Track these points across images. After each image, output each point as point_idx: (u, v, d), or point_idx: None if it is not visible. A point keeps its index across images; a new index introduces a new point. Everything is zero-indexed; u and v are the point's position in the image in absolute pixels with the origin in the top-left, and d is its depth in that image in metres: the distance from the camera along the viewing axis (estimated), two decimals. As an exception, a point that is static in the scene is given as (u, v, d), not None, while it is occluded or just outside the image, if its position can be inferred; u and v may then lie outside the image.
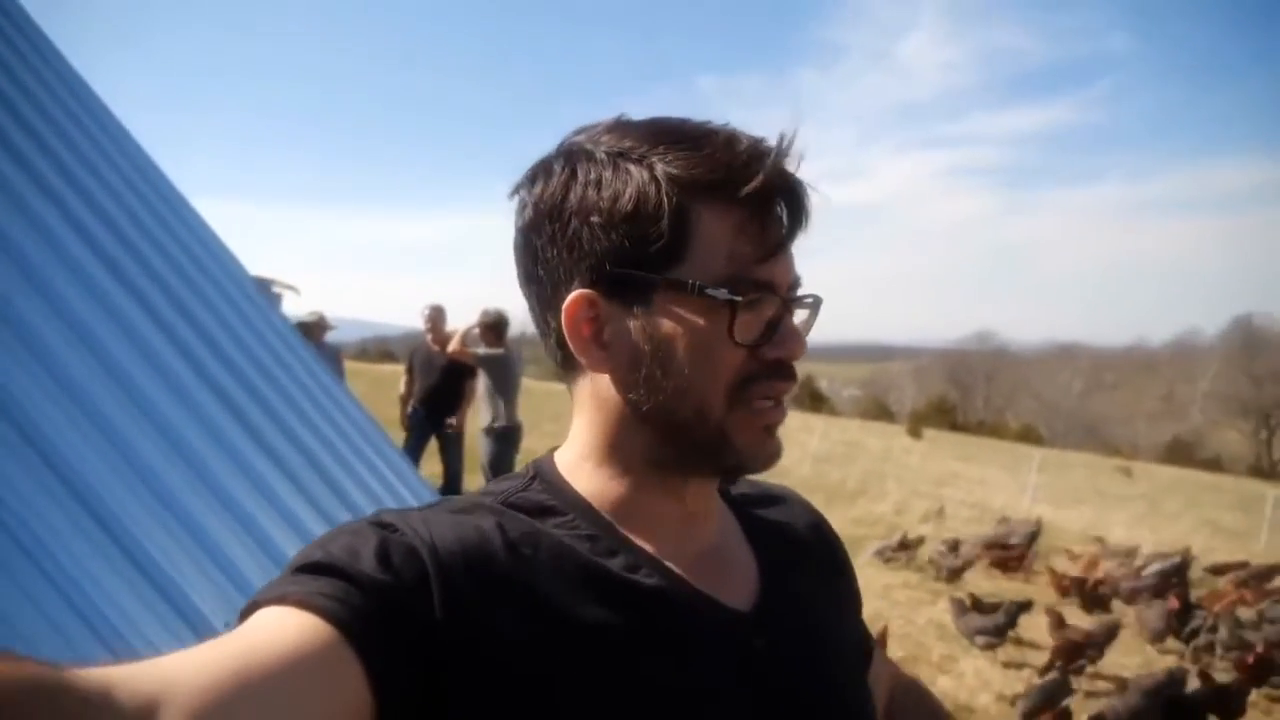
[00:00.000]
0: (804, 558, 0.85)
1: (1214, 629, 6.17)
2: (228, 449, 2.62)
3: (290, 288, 8.69)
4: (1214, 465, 40.25)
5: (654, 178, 0.68)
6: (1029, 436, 43.76)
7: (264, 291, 4.75)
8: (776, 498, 0.91)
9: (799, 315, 0.74)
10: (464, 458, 7.30)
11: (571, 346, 0.72)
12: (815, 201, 0.72)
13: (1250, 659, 5.20)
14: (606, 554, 0.71)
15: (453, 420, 7.11)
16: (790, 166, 0.70)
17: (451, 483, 7.18)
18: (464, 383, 7.12)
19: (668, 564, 0.73)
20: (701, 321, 0.68)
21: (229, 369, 3.08)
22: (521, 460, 7.09)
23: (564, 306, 0.71)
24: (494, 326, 6.57)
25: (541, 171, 0.73)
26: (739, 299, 0.67)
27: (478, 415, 6.81)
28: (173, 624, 1.89)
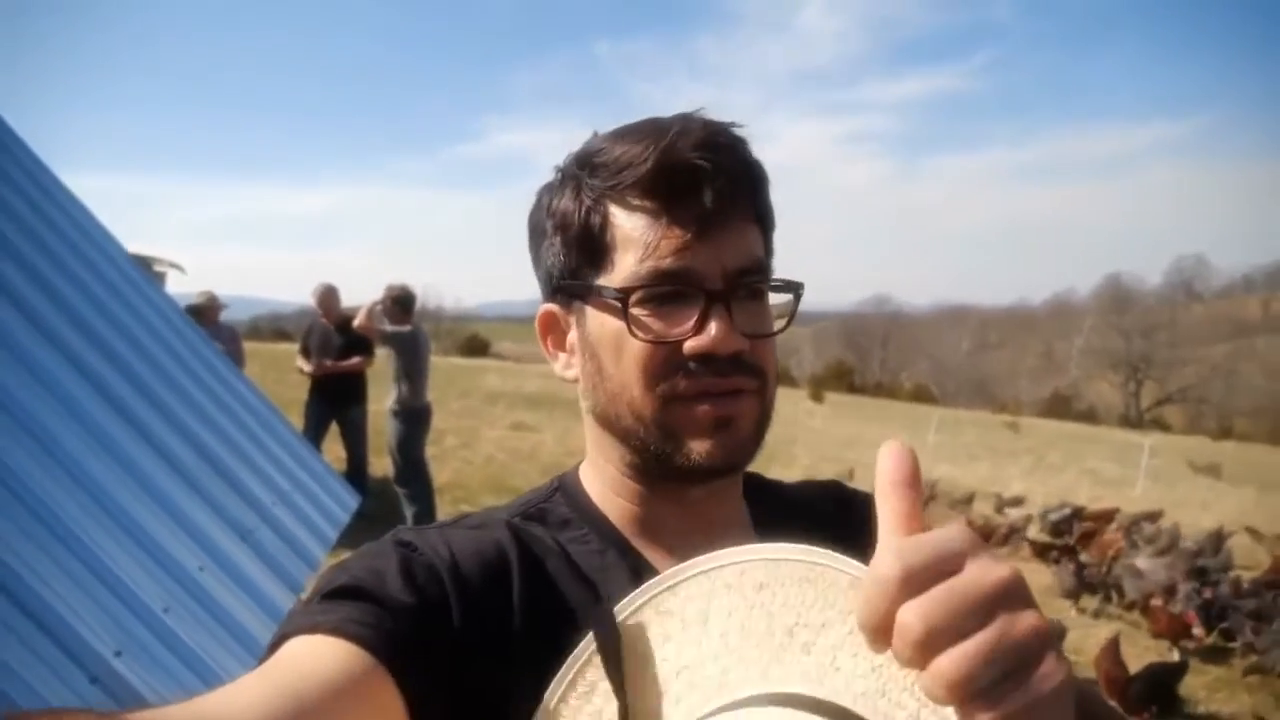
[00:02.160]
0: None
1: (1107, 583, 6.49)
2: (107, 446, 2.37)
3: (174, 265, 8.18)
4: (1090, 417, 42.88)
5: (577, 190, 0.71)
6: (922, 396, 45.58)
7: (145, 270, 4.39)
8: (807, 496, 0.86)
9: (768, 301, 0.73)
10: (368, 441, 7.01)
11: (548, 359, 0.77)
12: (751, 176, 0.71)
13: (1164, 619, 5.52)
14: (615, 568, 0.71)
15: (326, 362, 6.78)
16: (712, 145, 0.67)
17: (355, 468, 6.89)
18: (364, 364, 6.84)
19: None
20: (616, 322, 0.69)
21: (107, 357, 2.80)
22: (431, 441, 6.88)
23: (536, 320, 0.77)
24: (400, 301, 6.30)
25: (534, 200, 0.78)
26: (631, 297, 0.67)
27: (383, 396, 6.55)
28: (33, 639, 1.69)
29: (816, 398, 28.97)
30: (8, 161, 3.19)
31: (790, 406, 24.80)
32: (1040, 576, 6.84)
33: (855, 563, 0.52)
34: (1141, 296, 59.31)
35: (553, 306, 0.76)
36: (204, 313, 6.52)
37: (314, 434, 6.70)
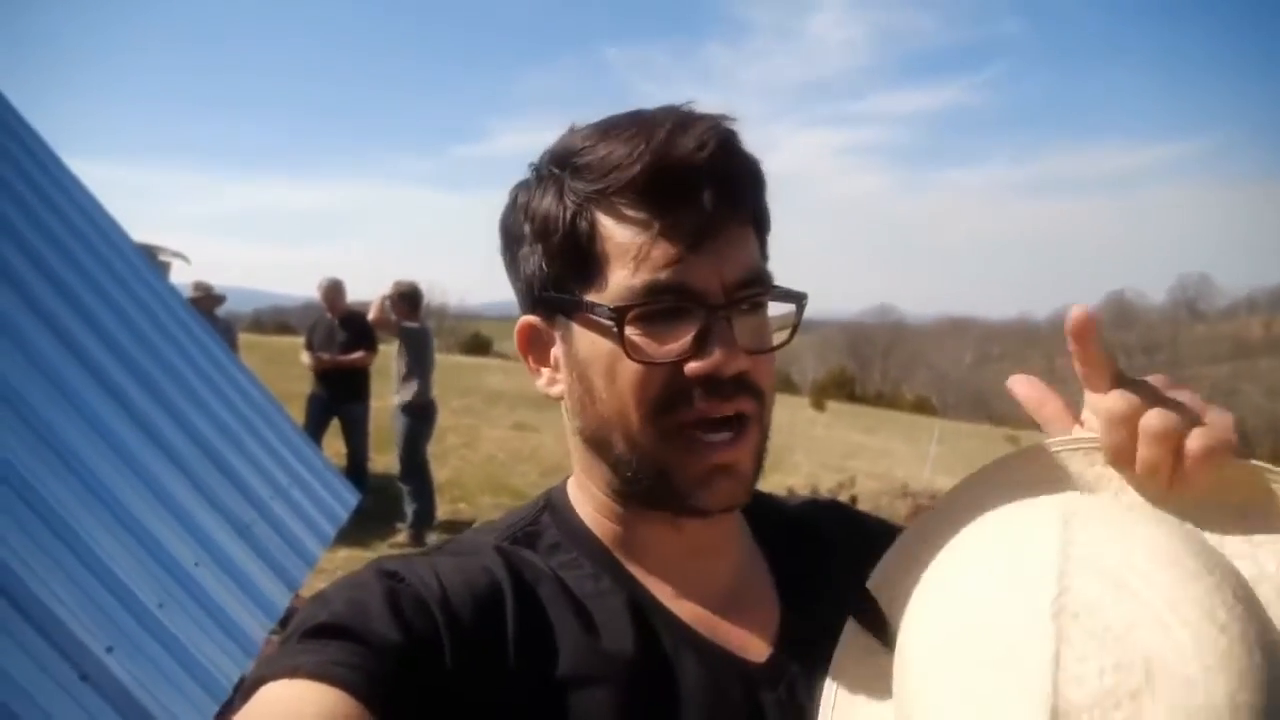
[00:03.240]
0: (837, 572, 0.75)
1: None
2: (104, 434, 2.32)
3: (179, 256, 8.15)
4: (1091, 433, 42.54)
5: (559, 192, 0.65)
6: (923, 407, 45.45)
7: (149, 260, 4.34)
8: (811, 517, 0.82)
9: (766, 314, 0.67)
10: (369, 437, 6.95)
11: (530, 374, 0.72)
12: (751, 176, 0.66)
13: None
14: (609, 595, 0.67)
15: (326, 356, 6.69)
16: (709, 143, 0.61)
17: (356, 464, 6.83)
18: (366, 359, 6.78)
19: (670, 608, 0.68)
20: (607, 341, 0.63)
21: (107, 344, 2.75)
22: (433, 440, 6.83)
23: (515, 333, 0.71)
24: (408, 297, 6.29)
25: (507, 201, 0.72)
26: (625, 314, 0.61)
27: (389, 393, 6.50)
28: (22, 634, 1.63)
29: (818, 405, 28.89)
30: (11, 143, 3.14)
31: (791, 414, 24.74)
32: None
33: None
34: (1144, 314, 59.28)
35: (534, 319, 0.70)
36: (198, 304, 6.46)
37: (315, 429, 6.65)
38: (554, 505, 0.73)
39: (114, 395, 2.55)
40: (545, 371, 0.71)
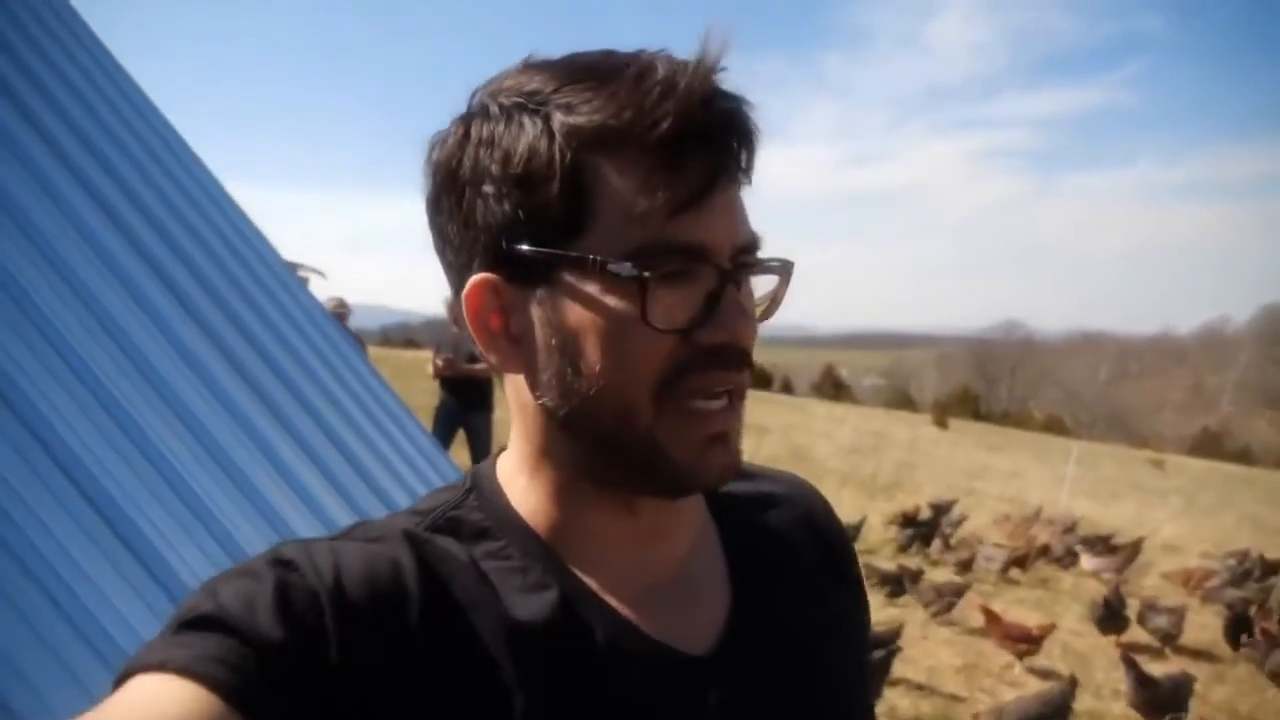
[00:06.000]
0: (795, 571, 0.71)
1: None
2: (251, 433, 2.40)
3: (316, 271, 8.53)
4: (1244, 457, 39.55)
5: (547, 129, 0.55)
6: (1054, 427, 43.23)
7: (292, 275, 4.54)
8: (770, 493, 0.75)
9: (756, 284, 0.61)
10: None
11: (478, 342, 0.60)
12: (755, 133, 0.58)
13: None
14: (537, 589, 0.60)
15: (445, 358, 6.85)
16: (720, 93, 0.56)
17: (481, 472, 6.99)
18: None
19: (610, 599, 0.61)
20: (611, 304, 0.55)
21: (257, 351, 2.87)
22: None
23: (464, 295, 0.59)
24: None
25: (440, 134, 0.61)
26: (647, 273, 0.54)
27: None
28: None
29: (940, 423, 27.92)
30: (181, 172, 3.34)
31: (912, 431, 23.94)
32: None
33: None
34: (1306, 328, 54.50)
35: (491, 277, 0.58)
36: (334, 319, 6.76)
37: (443, 438, 6.84)
38: (480, 487, 0.65)
39: (266, 403, 2.65)
40: (503, 342, 0.60)
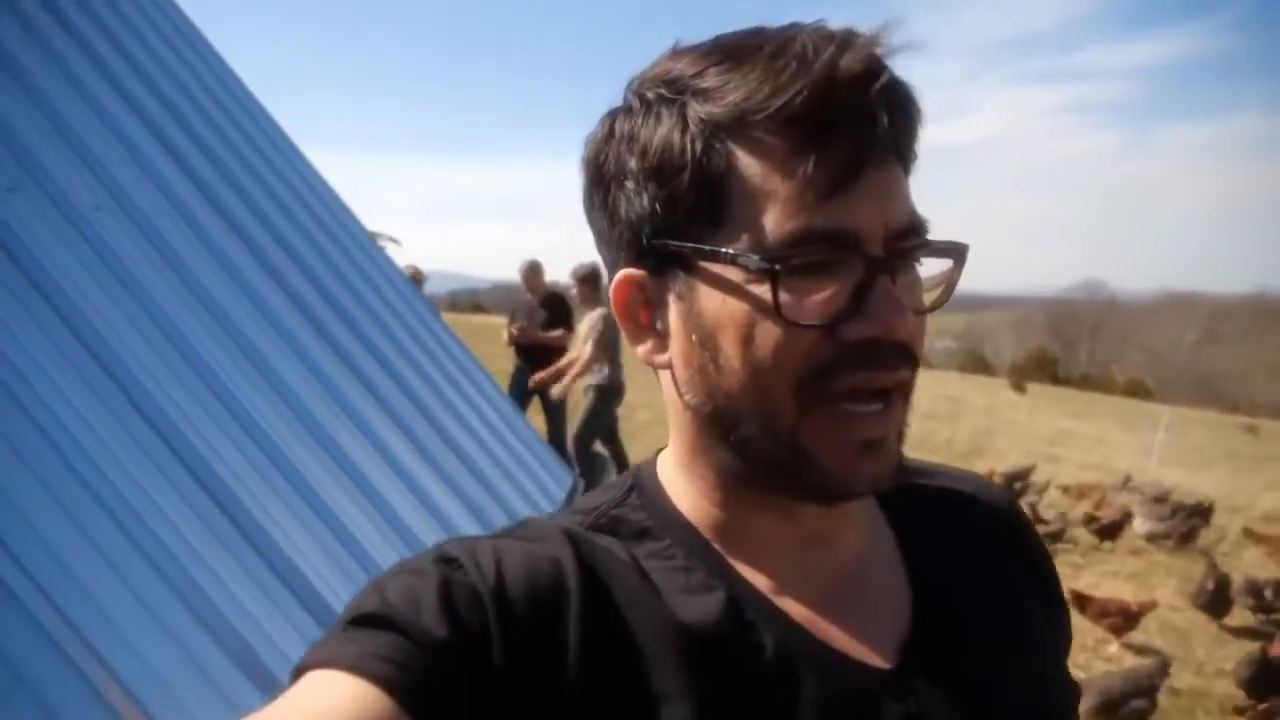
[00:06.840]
0: (985, 578, 0.66)
1: None
2: (361, 427, 2.41)
3: (392, 240, 8.65)
4: (1345, 423, 37.56)
5: (682, 119, 0.54)
6: (1137, 391, 41.64)
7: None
8: (953, 491, 0.71)
9: (923, 271, 0.57)
10: (565, 421, 7.11)
11: (626, 337, 0.61)
12: (915, 108, 0.55)
13: None
14: (703, 591, 0.58)
15: (556, 387, 6.89)
16: (874, 66, 0.52)
17: (555, 443, 7.02)
18: (565, 338, 6.94)
19: (779, 604, 0.58)
20: (746, 297, 0.54)
21: (350, 327, 2.88)
22: (623, 416, 6.89)
23: (611, 289, 0.60)
24: (589, 279, 6.36)
25: (591, 132, 0.61)
26: (778, 264, 0.51)
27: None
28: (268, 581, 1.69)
29: (1018, 388, 27.15)
30: (271, 150, 3.37)
31: (990, 396, 23.34)
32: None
33: None
34: None
35: (637, 273, 0.59)
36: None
37: (517, 402, 6.90)
38: (642, 485, 0.64)
39: (362, 381, 2.66)
40: (651, 338, 0.60)
